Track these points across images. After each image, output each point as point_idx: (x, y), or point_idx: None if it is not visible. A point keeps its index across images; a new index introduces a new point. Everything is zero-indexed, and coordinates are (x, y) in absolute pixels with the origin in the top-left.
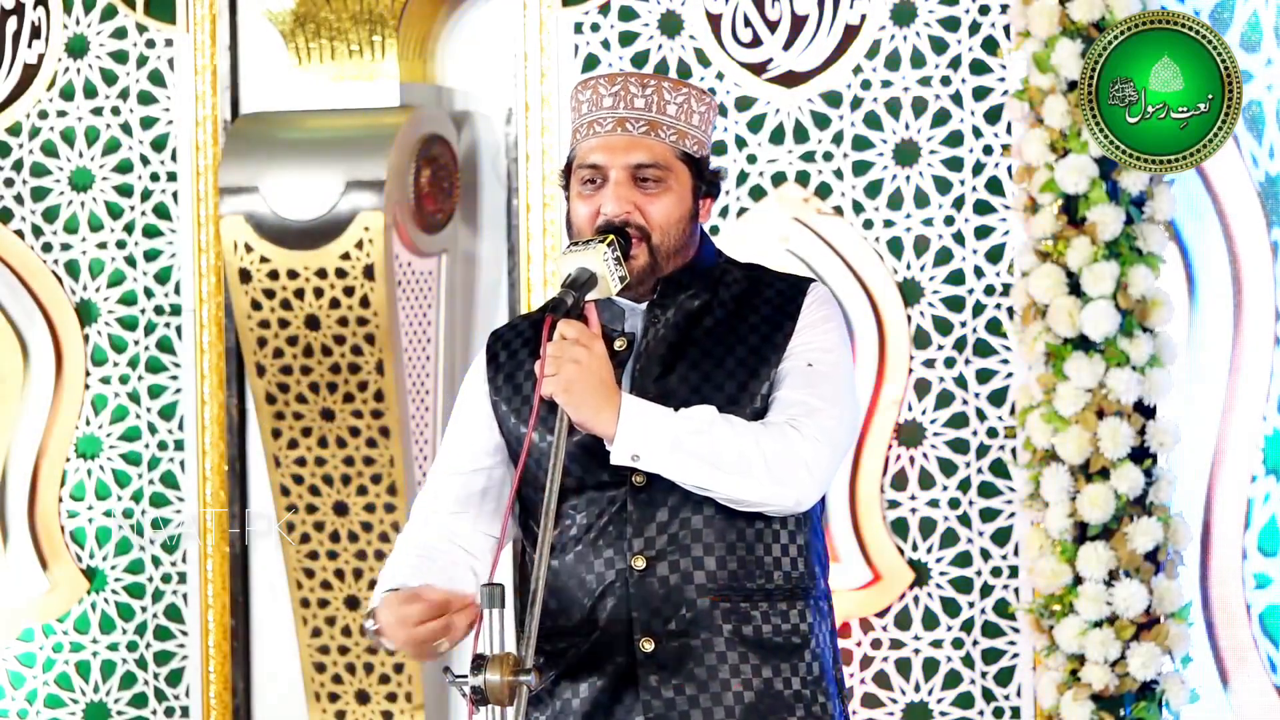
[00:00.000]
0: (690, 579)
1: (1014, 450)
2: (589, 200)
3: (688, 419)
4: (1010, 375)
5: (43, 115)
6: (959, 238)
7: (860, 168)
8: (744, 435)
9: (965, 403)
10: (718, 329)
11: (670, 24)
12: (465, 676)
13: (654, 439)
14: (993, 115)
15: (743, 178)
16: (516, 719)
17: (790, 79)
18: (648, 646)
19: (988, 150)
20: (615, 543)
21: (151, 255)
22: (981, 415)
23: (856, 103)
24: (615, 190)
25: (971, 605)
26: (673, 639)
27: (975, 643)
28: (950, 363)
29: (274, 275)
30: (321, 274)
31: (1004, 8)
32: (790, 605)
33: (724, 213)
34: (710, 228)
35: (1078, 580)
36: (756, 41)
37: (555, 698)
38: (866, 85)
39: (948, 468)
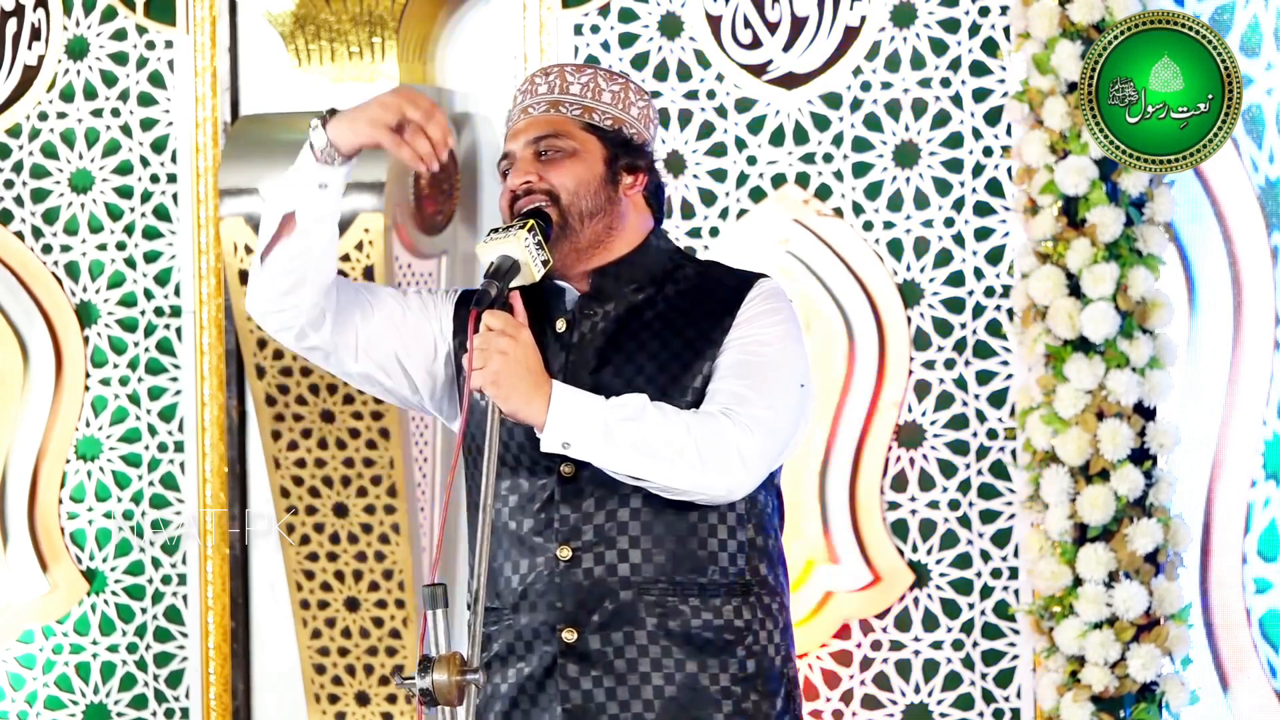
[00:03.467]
0: (614, 571)
1: (1014, 452)
2: (505, 187)
3: (619, 406)
4: (1010, 377)
5: (43, 117)
6: (959, 239)
7: (860, 169)
8: (675, 423)
9: (965, 404)
10: (657, 324)
11: (670, 26)
12: (412, 678)
13: (584, 426)
14: (993, 117)
15: (743, 179)
16: (467, 718)
17: (790, 80)
18: (569, 637)
19: (988, 152)
20: (544, 531)
21: (151, 257)
22: (981, 417)
23: (856, 104)
24: (518, 165)
25: (971, 607)
26: (595, 630)
27: (975, 644)
28: (950, 364)
29: None
30: None
31: (1004, 9)
32: (725, 601)
33: (724, 214)
34: (710, 229)
35: (1078, 582)
36: (756, 43)
37: (488, 682)
38: (866, 87)
39: (948, 469)
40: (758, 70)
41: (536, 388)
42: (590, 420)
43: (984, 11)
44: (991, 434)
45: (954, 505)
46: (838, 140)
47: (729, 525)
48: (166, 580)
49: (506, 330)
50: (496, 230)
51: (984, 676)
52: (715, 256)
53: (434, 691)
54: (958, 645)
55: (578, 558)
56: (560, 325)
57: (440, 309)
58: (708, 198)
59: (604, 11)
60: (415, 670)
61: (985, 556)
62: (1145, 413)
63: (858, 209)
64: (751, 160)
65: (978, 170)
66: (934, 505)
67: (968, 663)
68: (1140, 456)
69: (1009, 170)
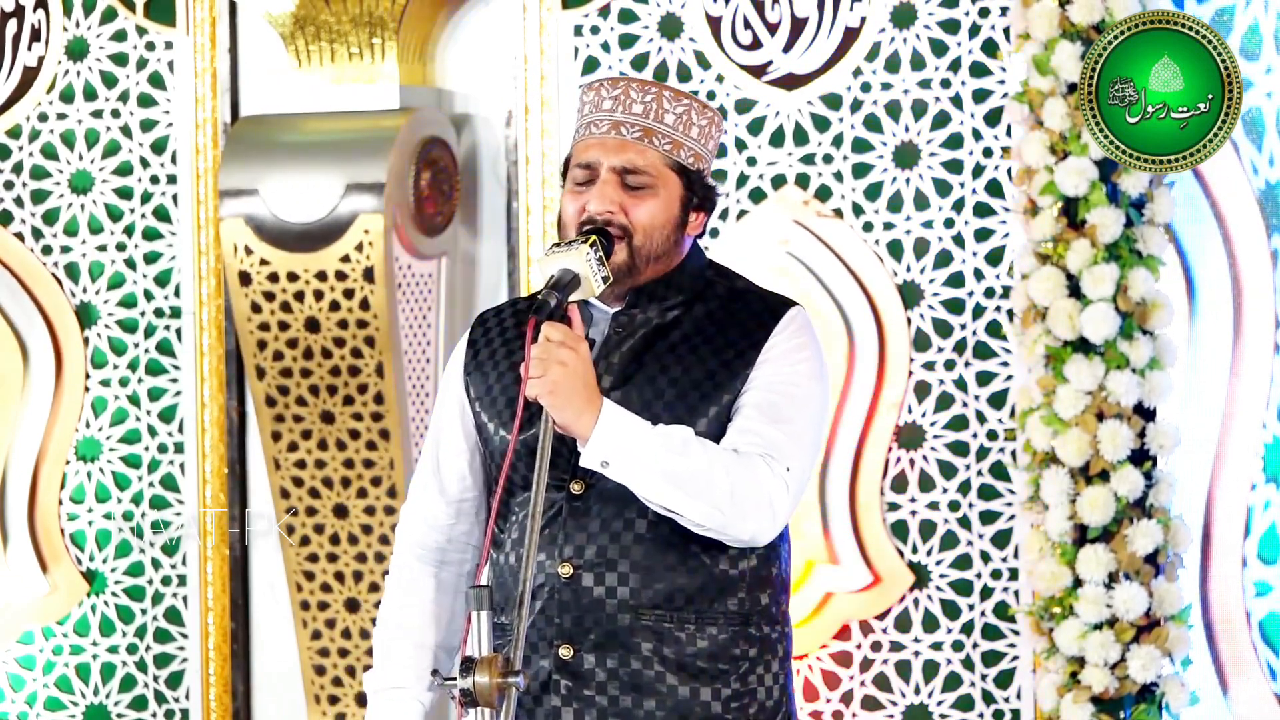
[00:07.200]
0: (613, 594)
1: (1014, 453)
2: (578, 198)
3: (664, 436)
4: (1010, 378)
5: (43, 118)
6: (959, 240)
7: (860, 170)
8: (716, 462)
9: (965, 405)
10: (682, 347)
11: (670, 26)
12: (454, 679)
13: (628, 449)
14: (993, 118)
15: (743, 180)
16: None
17: (790, 81)
18: (566, 654)
19: (988, 153)
20: (548, 547)
21: (151, 258)
22: (981, 418)
23: (856, 105)
24: (602, 189)
25: (971, 608)
26: (590, 650)
27: (975, 645)
28: (950, 365)
29: (274, 278)
30: (321, 277)
31: (1004, 10)
32: (721, 630)
33: (724, 215)
34: (711, 230)
35: (1078, 583)
36: (756, 44)
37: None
38: (866, 88)
39: (948, 470)
40: (757, 71)
41: (589, 402)
42: (634, 444)
43: (984, 12)
44: (991, 435)
45: (954, 506)
46: (838, 141)
47: (730, 556)
48: (166, 581)
49: (567, 342)
50: (559, 244)
51: (984, 677)
52: (718, 256)
53: (475, 693)
54: (958, 646)
55: (578, 576)
56: (588, 343)
57: (456, 377)
58: None
59: (604, 12)
60: (457, 670)
61: (985, 557)
62: (1145, 414)
63: (858, 210)
64: (751, 161)
65: (978, 171)
66: (934, 506)
67: (968, 664)
68: (1140, 458)
69: (1009, 171)
